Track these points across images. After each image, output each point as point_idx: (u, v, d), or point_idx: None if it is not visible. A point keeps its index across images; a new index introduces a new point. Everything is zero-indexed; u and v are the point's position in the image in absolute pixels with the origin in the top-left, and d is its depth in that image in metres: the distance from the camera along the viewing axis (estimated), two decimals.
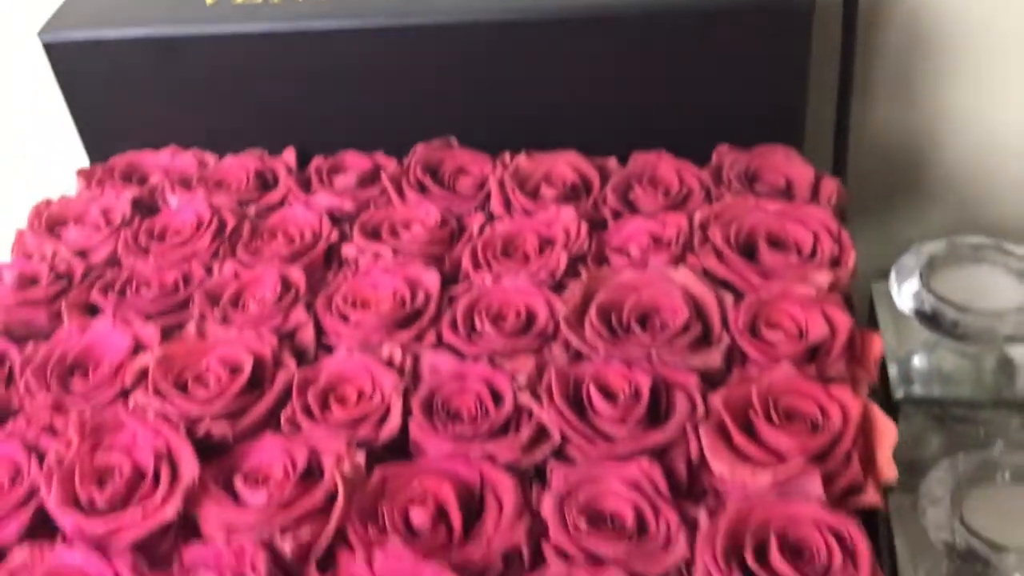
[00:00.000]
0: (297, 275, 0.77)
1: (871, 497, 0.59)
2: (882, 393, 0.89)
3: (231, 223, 0.84)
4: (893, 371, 0.91)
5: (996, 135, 1.00)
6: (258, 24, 0.88)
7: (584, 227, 0.79)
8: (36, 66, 0.95)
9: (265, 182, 0.91)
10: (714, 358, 0.68)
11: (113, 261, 0.83)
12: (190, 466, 0.61)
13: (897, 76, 0.98)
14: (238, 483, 0.62)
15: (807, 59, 0.85)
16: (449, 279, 0.78)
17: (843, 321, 0.68)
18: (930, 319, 0.88)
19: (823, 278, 0.72)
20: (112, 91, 0.93)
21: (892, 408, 0.87)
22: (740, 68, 0.87)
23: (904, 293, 0.90)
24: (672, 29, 0.86)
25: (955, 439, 0.94)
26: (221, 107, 0.93)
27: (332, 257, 0.82)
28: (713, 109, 0.89)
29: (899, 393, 0.89)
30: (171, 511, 0.59)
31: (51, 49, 0.91)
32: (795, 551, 0.55)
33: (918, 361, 0.93)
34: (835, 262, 0.74)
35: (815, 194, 0.82)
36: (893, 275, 0.92)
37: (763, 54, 0.85)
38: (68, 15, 0.92)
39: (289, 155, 0.93)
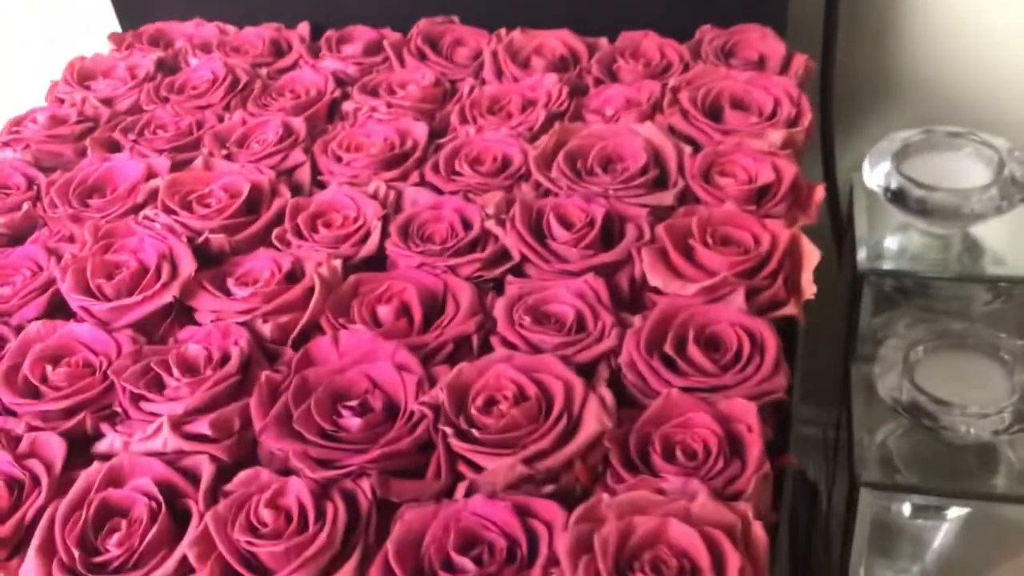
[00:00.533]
0: (299, 123, 0.84)
1: (790, 309, 0.65)
2: (850, 274, 0.94)
3: (244, 80, 0.92)
4: (862, 253, 0.97)
5: (995, 32, 1.02)
6: None
7: (565, 91, 0.86)
8: None
9: (279, 49, 0.98)
10: (666, 197, 0.74)
11: (136, 109, 0.91)
12: (188, 264, 0.69)
13: None
14: (230, 283, 0.70)
15: None
16: (438, 133, 0.85)
17: (789, 170, 0.74)
18: (897, 197, 0.94)
19: (778, 136, 0.78)
20: None
21: (857, 280, 0.92)
22: None
23: (875, 174, 0.95)
24: None
25: (918, 314, 1.00)
26: None
27: (334, 112, 0.89)
28: None
29: (864, 266, 0.94)
30: (168, 296, 0.67)
31: None
32: (711, 345, 0.62)
33: (888, 241, 0.98)
34: (792, 123, 0.80)
35: (785, 68, 0.87)
36: (867, 159, 0.97)
37: None
38: None
39: (303, 27, 1.00)
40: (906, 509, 0.94)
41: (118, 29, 1.05)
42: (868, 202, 1.00)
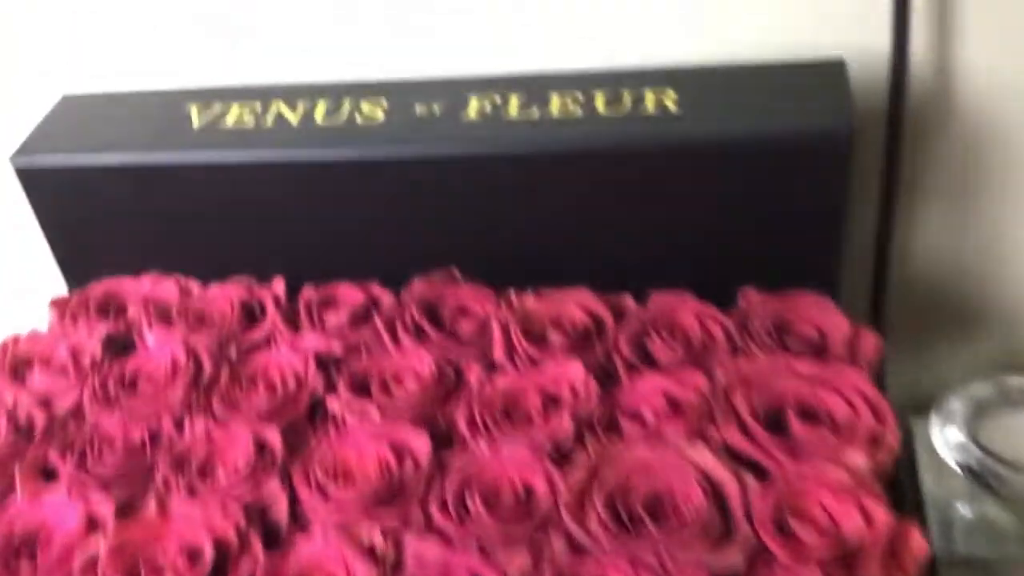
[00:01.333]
0: (274, 437, 0.70)
1: None
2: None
3: (208, 369, 0.77)
4: (933, 524, 0.83)
5: None
6: (250, 152, 0.82)
7: (593, 386, 0.72)
8: (7, 189, 0.88)
9: (252, 314, 0.84)
10: (733, 557, 0.59)
11: (78, 414, 0.76)
12: None
13: (946, 194, 0.89)
14: None
15: (845, 197, 0.78)
16: (442, 439, 0.71)
17: (881, 517, 0.60)
18: (976, 475, 0.81)
19: (859, 459, 0.64)
20: (91, 218, 0.87)
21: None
22: (770, 203, 0.79)
23: (948, 442, 0.83)
24: (696, 161, 0.78)
25: None
26: (208, 234, 0.87)
27: (316, 408, 0.75)
28: (740, 246, 0.81)
29: (940, 550, 0.80)
30: None
31: (24, 175, 0.85)
32: None
33: (961, 510, 0.84)
34: (874, 440, 0.66)
35: (851, 350, 0.73)
36: (936, 421, 0.84)
37: (797, 189, 0.78)
38: (42, 138, 0.86)
39: (278, 285, 0.86)
40: None
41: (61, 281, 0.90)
42: (932, 457, 0.86)
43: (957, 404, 0.85)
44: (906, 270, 0.92)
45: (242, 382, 0.76)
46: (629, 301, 0.81)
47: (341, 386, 0.74)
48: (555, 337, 0.77)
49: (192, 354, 0.78)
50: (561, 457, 0.68)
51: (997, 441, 0.82)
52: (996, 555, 0.83)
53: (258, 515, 0.66)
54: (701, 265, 0.82)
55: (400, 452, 0.68)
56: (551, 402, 0.72)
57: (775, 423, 0.67)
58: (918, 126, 0.85)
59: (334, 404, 0.74)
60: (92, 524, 0.65)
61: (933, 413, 0.84)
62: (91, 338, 0.81)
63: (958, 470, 0.82)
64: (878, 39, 0.82)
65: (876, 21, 0.81)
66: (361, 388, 0.75)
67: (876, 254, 0.89)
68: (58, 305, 0.86)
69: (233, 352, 0.80)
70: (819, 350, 0.74)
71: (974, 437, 0.82)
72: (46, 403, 0.76)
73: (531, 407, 0.71)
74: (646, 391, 0.71)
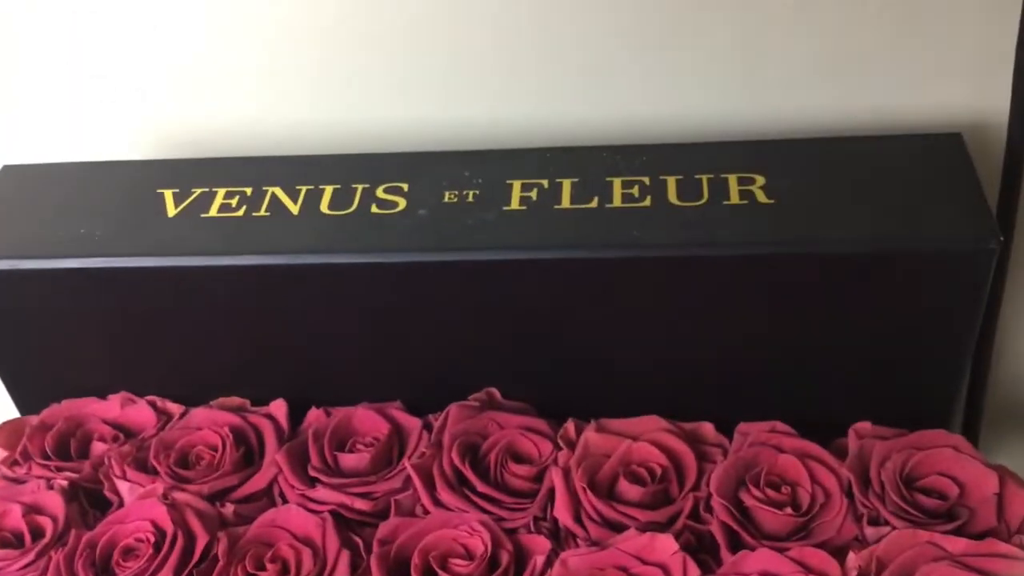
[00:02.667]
0: None
1: None
2: None
3: (201, 540, 0.62)
4: None
5: None
6: (235, 258, 0.66)
7: (693, 571, 0.58)
8: None
9: (248, 450, 0.68)
10: None
11: None
12: None
13: None
14: None
15: (978, 316, 0.63)
16: None
17: None
18: None
19: None
20: (43, 327, 0.70)
21: None
22: (880, 319, 0.65)
23: None
24: (790, 269, 0.64)
25: None
26: (189, 345, 0.71)
27: None
28: (843, 369, 0.67)
29: None
30: None
31: None
32: None
33: None
34: None
35: (999, 514, 0.60)
36: None
37: (920, 304, 0.64)
38: None
39: (279, 410, 0.71)
40: None
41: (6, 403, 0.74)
42: None
43: None
44: (1009, 380, 0.79)
45: (245, 561, 0.60)
46: (709, 431, 0.67)
47: (373, 569, 0.59)
48: (628, 489, 0.63)
49: (179, 520, 0.62)
50: None
51: None
52: None
53: None
54: (789, 389, 0.68)
55: None
56: None
57: None
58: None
59: None
60: None
61: None
62: (51, 492, 0.65)
63: None
64: (994, 108, 0.68)
65: (991, 89, 0.67)
66: (398, 572, 0.60)
67: (973, 362, 0.76)
68: (7, 436, 0.71)
69: (229, 511, 0.64)
70: (959, 512, 0.60)
71: None
72: None
73: None
74: (752, 571, 0.57)
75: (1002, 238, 0.60)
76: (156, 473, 0.66)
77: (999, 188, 0.69)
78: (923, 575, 0.55)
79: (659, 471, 0.64)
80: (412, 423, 0.69)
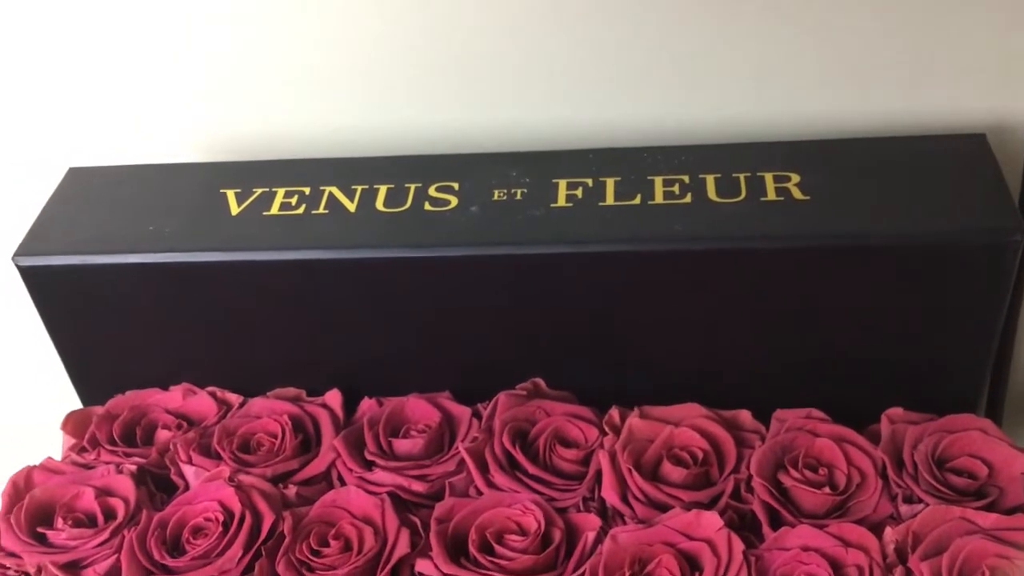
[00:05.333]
0: None
1: None
2: None
3: (267, 519, 0.65)
4: None
5: None
6: (298, 252, 0.69)
7: (737, 545, 0.61)
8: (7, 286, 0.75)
9: (305, 438, 0.72)
10: None
11: None
12: None
13: None
14: None
15: (1004, 305, 0.67)
16: None
17: None
18: None
19: None
20: (107, 322, 0.74)
21: None
22: (914, 308, 0.68)
23: None
24: (828, 261, 0.67)
25: None
26: (246, 338, 0.74)
27: (400, 573, 0.63)
28: (874, 357, 0.70)
29: None
30: None
31: (30, 274, 0.71)
32: None
33: None
34: None
35: None
36: None
37: (951, 294, 0.67)
38: (49, 228, 0.72)
39: (334, 399, 0.74)
40: None
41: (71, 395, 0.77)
42: None
43: None
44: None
45: (310, 538, 0.64)
46: (747, 418, 0.70)
47: (434, 545, 0.62)
48: (672, 471, 0.66)
49: (245, 500, 0.65)
50: None
51: None
52: None
53: None
54: (825, 377, 0.71)
55: None
56: (689, 566, 0.60)
57: None
58: None
59: (427, 570, 0.62)
60: None
61: None
62: (121, 475, 0.68)
63: None
64: (1016, 109, 0.71)
65: (1013, 90, 0.70)
66: (455, 547, 0.63)
67: (996, 356, 0.79)
68: (74, 425, 0.74)
69: (292, 492, 0.67)
70: (988, 491, 0.64)
71: None
72: (75, 569, 0.63)
73: (666, 574, 0.60)
74: (800, 551, 0.60)
75: None
76: (219, 458, 0.70)
77: (1021, 185, 0.72)
78: (957, 548, 0.58)
79: (700, 455, 0.67)
80: (462, 411, 0.72)
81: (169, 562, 0.63)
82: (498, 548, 0.62)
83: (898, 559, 0.59)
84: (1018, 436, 0.78)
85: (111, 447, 0.71)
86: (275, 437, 0.71)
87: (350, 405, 0.74)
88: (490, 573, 0.60)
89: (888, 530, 0.60)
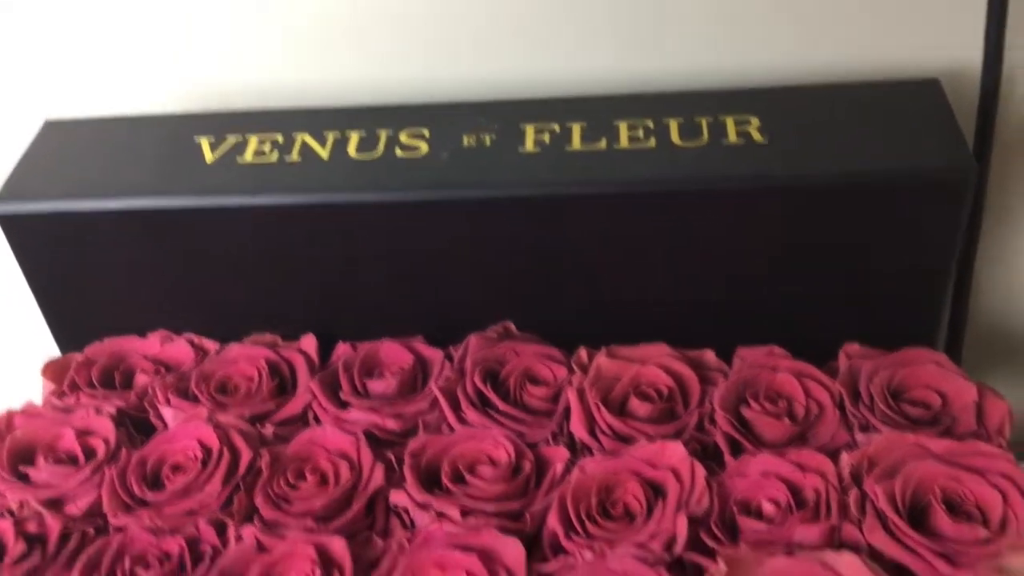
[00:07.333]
0: (340, 548, 0.60)
1: None
2: None
3: (245, 455, 0.67)
4: None
5: None
6: (272, 196, 0.70)
7: (699, 472, 0.63)
8: None
9: (282, 381, 0.73)
10: None
11: (96, 517, 0.65)
12: None
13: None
14: None
15: (957, 240, 0.69)
16: (530, 540, 0.61)
17: None
18: None
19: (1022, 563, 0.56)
20: (86, 269, 0.75)
21: None
22: (871, 246, 0.70)
23: None
24: (788, 200, 0.69)
25: None
26: (222, 285, 0.76)
27: (376, 503, 0.65)
28: (833, 294, 0.73)
29: None
30: None
31: (8, 222, 0.72)
32: None
33: None
34: None
35: (980, 421, 0.66)
36: None
37: (905, 230, 0.69)
38: (27, 177, 0.73)
39: (308, 344, 0.76)
40: None
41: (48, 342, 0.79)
42: None
43: None
44: (988, 305, 0.85)
45: (287, 473, 0.65)
46: (711, 357, 0.72)
47: (407, 477, 0.64)
48: (638, 406, 0.68)
49: (223, 437, 0.67)
50: (676, 564, 0.59)
51: None
52: None
53: None
54: (786, 316, 0.73)
55: (491, 565, 0.59)
56: (654, 492, 0.63)
57: (916, 518, 0.59)
58: (1007, 150, 0.77)
59: (400, 499, 0.64)
60: None
61: None
62: (100, 416, 0.70)
63: None
64: (967, 55, 0.74)
65: (965, 36, 0.72)
66: (428, 479, 0.65)
67: (955, 288, 0.81)
68: (54, 371, 0.75)
69: (269, 431, 0.69)
70: (942, 420, 0.66)
71: None
72: (57, 504, 0.65)
73: (631, 499, 0.62)
74: (759, 477, 0.63)
75: (976, 165, 0.65)
76: (197, 400, 0.71)
77: (975, 127, 0.75)
78: (910, 471, 0.61)
79: (666, 391, 0.69)
80: (434, 354, 0.74)
81: (149, 496, 0.64)
82: (470, 478, 0.64)
83: (854, 482, 0.61)
84: (979, 373, 0.81)
85: (90, 391, 0.72)
86: (252, 380, 0.72)
87: (326, 351, 0.76)
88: (462, 501, 0.62)
89: (844, 455, 0.63)
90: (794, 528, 0.59)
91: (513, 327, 0.75)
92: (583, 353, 0.72)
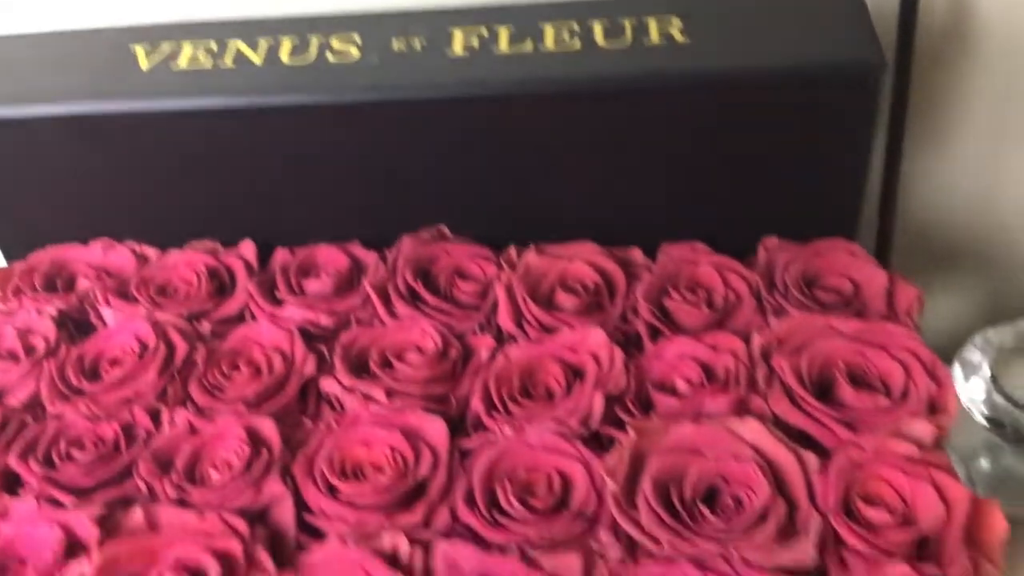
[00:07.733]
0: (269, 428, 0.62)
1: None
2: None
3: (181, 349, 0.69)
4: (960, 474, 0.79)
5: None
6: (208, 99, 0.72)
7: (618, 355, 0.65)
8: None
9: (221, 284, 0.75)
10: (806, 551, 0.54)
11: (35, 407, 0.67)
12: None
13: (959, 133, 0.84)
14: None
15: (872, 134, 0.71)
16: (455, 422, 0.64)
17: (958, 495, 0.55)
18: (1003, 428, 0.76)
19: (923, 430, 0.59)
20: (26, 178, 0.76)
21: None
22: (789, 142, 0.72)
23: (973, 395, 0.77)
24: (708, 97, 0.71)
25: None
26: (162, 193, 0.77)
27: (308, 392, 0.67)
28: (753, 190, 0.75)
29: None
30: None
31: None
32: None
33: (983, 463, 0.81)
34: (932, 406, 0.60)
35: (890, 305, 0.68)
36: (958, 371, 0.79)
37: (821, 126, 0.71)
38: None
39: (247, 249, 0.78)
40: None
41: None
42: None
43: (976, 353, 0.80)
44: (914, 212, 0.87)
45: (221, 364, 0.67)
46: (638, 255, 0.75)
47: (336, 366, 0.67)
48: (564, 299, 0.70)
49: (160, 333, 0.69)
50: (592, 439, 0.61)
51: (1021, 389, 0.77)
52: (1018, 509, 0.79)
53: (260, 519, 0.59)
54: (709, 213, 0.76)
55: (415, 441, 0.61)
56: (573, 374, 0.65)
57: (822, 390, 0.62)
58: (928, 60, 0.79)
59: (330, 386, 0.66)
60: (73, 542, 0.56)
61: (954, 364, 0.79)
62: (41, 317, 0.71)
63: (982, 422, 0.77)
64: None
65: None
66: (358, 366, 0.67)
67: (882, 196, 0.84)
68: None
69: (206, 329, 0.71)
70: (854, 305, 0.69)
71: (997, 386, 0.78)
72: None
73: (552, 381, 0.65)
74: (675, 358, 0.65)
75: (886, 61, 0.67)
76: (137, 301, 0.73)
77: (896, 30, 0.77)
78: (817, 347, 0.63)
79: (592, 286, 0.72)
80: (369, 256, 0.76)
81: (86, 387, 0.66)
82: (397, 364, 0.66)
83: (763, 360, 0.63)
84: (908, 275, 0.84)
85: (33, 295, 0.74)
86: (191, 283, 0.74)
87: (266, 258, 0.78)
88: (388, 384, 0.64)
89: (755, 336, 0.65)
90: (703, 399, 0.61)
91: (446, 230, 0.77)
92: (512, 251, 0.74)
